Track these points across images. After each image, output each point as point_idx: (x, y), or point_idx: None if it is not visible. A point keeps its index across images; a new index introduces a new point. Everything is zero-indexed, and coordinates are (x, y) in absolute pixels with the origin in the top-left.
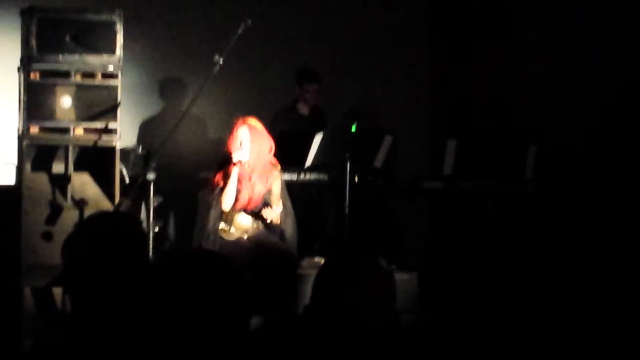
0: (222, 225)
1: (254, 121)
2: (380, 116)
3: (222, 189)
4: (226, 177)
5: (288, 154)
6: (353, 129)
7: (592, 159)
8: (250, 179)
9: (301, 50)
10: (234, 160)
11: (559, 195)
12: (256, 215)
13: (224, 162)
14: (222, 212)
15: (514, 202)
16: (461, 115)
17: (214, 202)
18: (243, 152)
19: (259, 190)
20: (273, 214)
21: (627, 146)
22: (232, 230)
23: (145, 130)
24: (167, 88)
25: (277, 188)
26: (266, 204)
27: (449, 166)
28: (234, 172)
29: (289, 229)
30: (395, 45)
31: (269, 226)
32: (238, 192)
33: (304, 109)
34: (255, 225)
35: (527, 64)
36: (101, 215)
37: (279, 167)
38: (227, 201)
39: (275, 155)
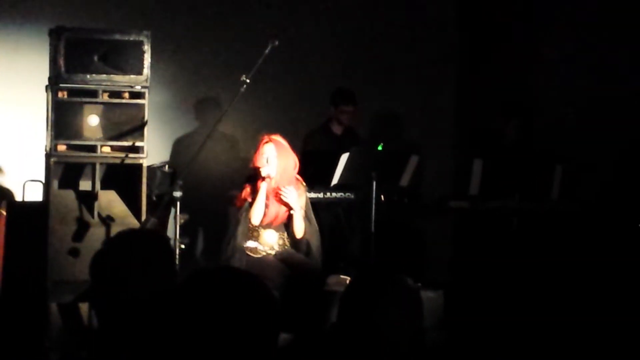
0: (248, 242)
1: (279, 138)
2: (406, 136)
3: (251, 204)
4: (254, 192)
5: (316, 172)
6: (379, 148)
7: (619, 179)
8: (276, 194)
9: (328, 69)
10: (263, 174)
11: (585, 215)
12: (285, 228)
13: (252, 178)
14: (249, 228)
15: (540, 222)
16: (487, 134)
17: (242, 218)
18: (270, 168)
19: (285, 207)
20: (291, 195)
21: None
22: (259, 247)
23: (173, 149)
24: (194, 107)
25: (302, 203)
26: (290, 220)
27: (475, 186)
28: (263, 186)
29: (314, 245)
30: (421, 66)
31: (295, 244)
32: (265, 207)
33: (337, 129)
34: (281, 242)
35: (554, 85)
36: (129, 233)
37: (303, 183)
38: (256, 215)
39: (302, 173)
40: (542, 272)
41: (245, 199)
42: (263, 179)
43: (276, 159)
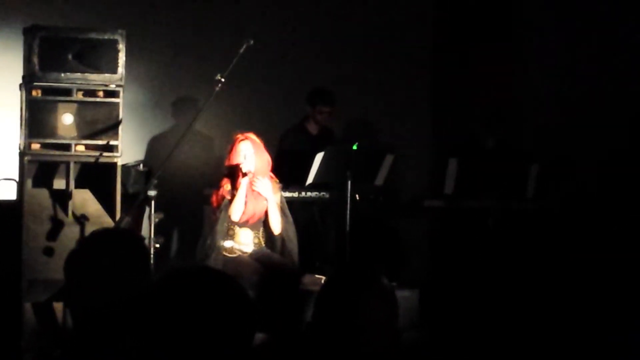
0: (224, 242)
1: (253, 136)
2: (381, 135)
3: (230, 201)
4: (233, 189)
5: (291, 172)
6: (354, 147)
7: (595, 177)
8: (253, 191)
9: (302, 68)
10: (244, 170)
11: (561, 214)
12: (261, 226)
13: (231, 175)
14: (226, 228)
15: (515, 220)
16: (463, 133)
17: (220, 215)
18: (249, 164)
19: (262, 205)
20: (264, 186)
21: (632, 165)
22: (235, 246)
23: (148, 147)
24: (169, 106)
25: (277, 200)
26: (267, 218)
27: (450, 185)
28: (243, 182)
29: (292, 241)
30: (397, 64)
31: (271, 242)
32: (244, 204)
33: (313, 129)
34: (257, 241)
35: (530, 83)
36: (104, 232)
37: (277, 181)
38: (236, 211)
39: (277, 172)
40: (518, 270)
41: (223, 197)
42: (244, 174)
43: (254, 156)
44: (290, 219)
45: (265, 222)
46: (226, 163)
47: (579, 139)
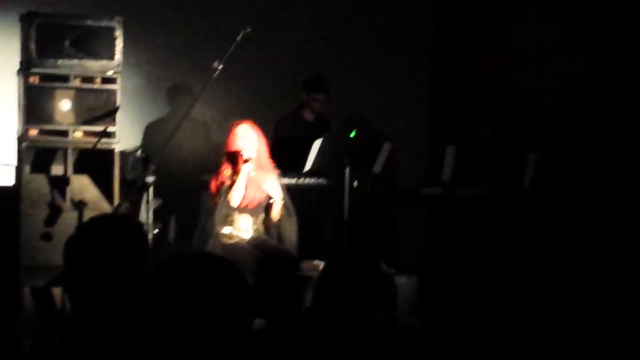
0: (223, 228)
1: (250, 123)
2: (379, 122)
3: (230, 187)
4: (234, 175)
5: (287, 159)
6: (352, 135)
7: (592, 169)
8: (253, 178)
9: (300, 56)
10: (245, 157)
11: (558, 204)
12: (261, 212)
13: (231, 160)
14: (225, 214)
15: (512, 209)
16: (460, 122)
17: (220, 201)
18: (250, 150)
19: (261, 190)
20: (278, 206)
21: (629, 155)
22: (234, 232)
23: (146, 134)
24: (167, 92)
25: (278, 188)
26: (268, 204)
27: (448, 173)
28: (245, 168)
29: (290, 229)
30: (394, 52)
31: (268, 229)
32: (245, 189)
33: (309, 116)
34: (255, 227)
35: (528, 72)
36: (102, 218)
37: (275, 169)
38: (236, 197)
39: (273, 159)
40: (515, 258)
41: (222, 182)
42: (245, 161)
43: (254, 142)
44: (292, 208)
45: (266, 208)
46: (225, 149)
47: (576, 133)
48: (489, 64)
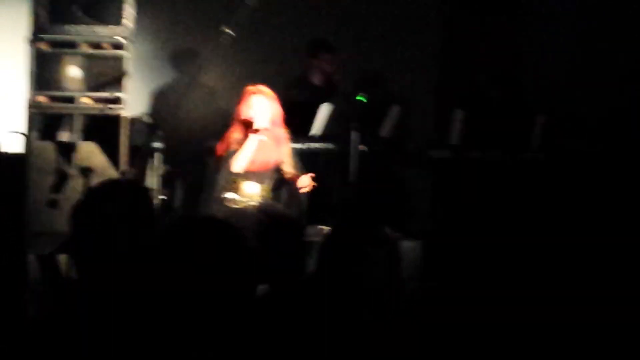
0: (228, 194)
1: (266, 89)
2: (387, 86)
3: (236, 152)
4: (242, 141)
5: (295, 123)
6: (360, 98)
7: (600, 130)
8: (265, 143)
9: (309, 20)
10: (256, 127)
11: (566, 165)
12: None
13: (240, 125)
14: (230, 179)
15: (520, 171)
16: (469, 85)
17: (222, 166)
18: (263, 120)
19: (273, 155)
20: (306, 182)
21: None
22: (237, 198)
23: (154, 100)
24: (176, 59)
25: (288, 154)
26: (278, 170)
27: (456, 136)
28: (254, 138)
29: (298, 195)
30: (403, 15)
31: (276, 194)
32: (253, 154)
33: (317, 79)
34: (263, 194)
35: (537, 35)
36: (109, 183)
37: (287, 134)
38: (239, 164)
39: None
40: (523, 222)
41: (228, 146)
42: (256, 131)
43: (267, 111)
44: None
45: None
46: (236, 115)
47: (584, 94)
48: (499, 26)
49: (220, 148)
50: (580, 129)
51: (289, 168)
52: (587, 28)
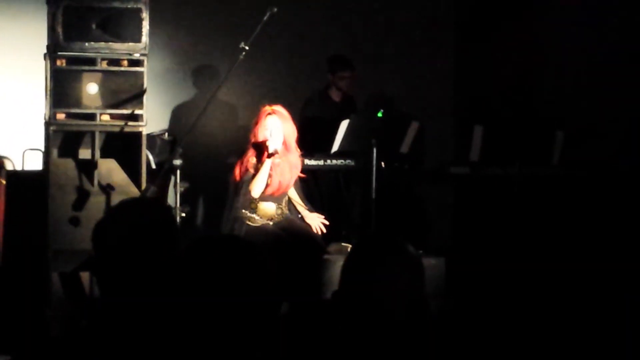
0: (247, 212)
1: (281, 108)
2: (406, 102)
3: (253, 176)
4: (257, 164)
5: (315, 139)
6: (379, 115)
7: (619, 144)
8: (280, 166)
9: (327, 37)
10: (270, 150)
11: (586, 181)
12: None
13: (256, 150)
14: (248, 201)
15: (541, 187)
16: (486, 101)
17: (242, 190)
18: (276, 142)
19: (288, 177)
20: (316, 223)
21: None
22: (257, 217)
23: (173, 117)
24: (194, 75)
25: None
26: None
27: (476, 152)
28: (268, 162)
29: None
30: (420, 33)
31: (294, 210)
32: (269, 177)
33: (336, 96)
34: (279, 212)
35: (553, 49)
36: (131, 201)
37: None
38: (257, 189)
39: (301, 140)
40: (544, 238)
41: (247, 169)
42: (270, 155)
43: (281, 133)
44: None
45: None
46: (251, 136)
47: (603, 106)
48: (514, 40)
49: (237, 170)
50: (600, 142)
51: (297, 199)
52: (605, 38)
